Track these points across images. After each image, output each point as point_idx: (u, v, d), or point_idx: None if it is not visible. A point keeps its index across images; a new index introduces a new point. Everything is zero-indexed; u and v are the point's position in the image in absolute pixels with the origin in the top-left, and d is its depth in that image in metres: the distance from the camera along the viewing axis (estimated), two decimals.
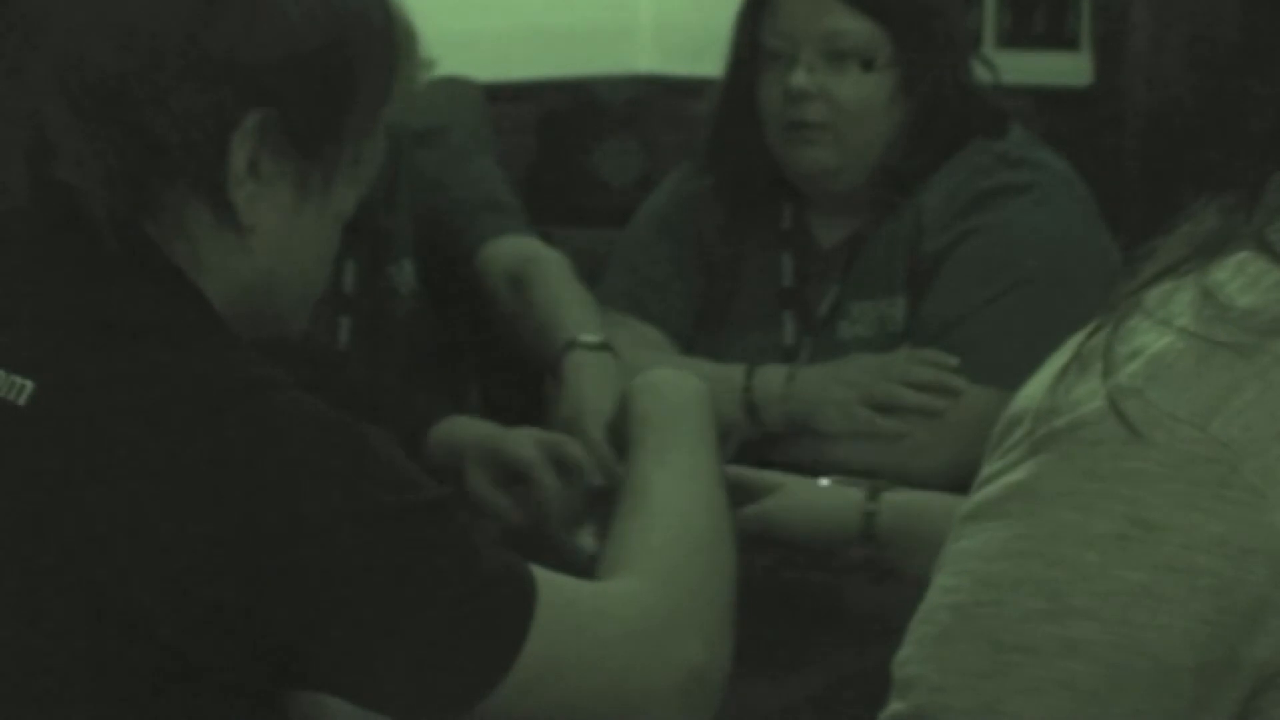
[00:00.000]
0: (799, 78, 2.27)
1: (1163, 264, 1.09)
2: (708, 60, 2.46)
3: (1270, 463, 1.02)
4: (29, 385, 1.27)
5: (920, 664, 1.08)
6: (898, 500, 1.95)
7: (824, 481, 1.99)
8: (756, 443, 2.16)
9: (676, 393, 1.60)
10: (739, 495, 1.99)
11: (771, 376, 2.29)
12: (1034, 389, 1.09)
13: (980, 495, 1.09)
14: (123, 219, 1.31)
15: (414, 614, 1.27)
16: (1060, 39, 4.35)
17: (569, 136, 4.39)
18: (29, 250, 1.34)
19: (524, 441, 2.10)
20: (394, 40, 1.42)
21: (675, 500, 1.48)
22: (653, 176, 2.79)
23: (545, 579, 1.32)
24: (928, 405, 2.19)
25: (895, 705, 1.09)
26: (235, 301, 1.35)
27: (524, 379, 2.79)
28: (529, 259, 2.42)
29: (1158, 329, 1.06)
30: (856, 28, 2.27)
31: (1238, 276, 1.07)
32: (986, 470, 1.10)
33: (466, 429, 2.20)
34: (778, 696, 1.84)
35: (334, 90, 1.35)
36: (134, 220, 1.32)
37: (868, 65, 2.27)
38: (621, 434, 1.61)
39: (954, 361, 2.19)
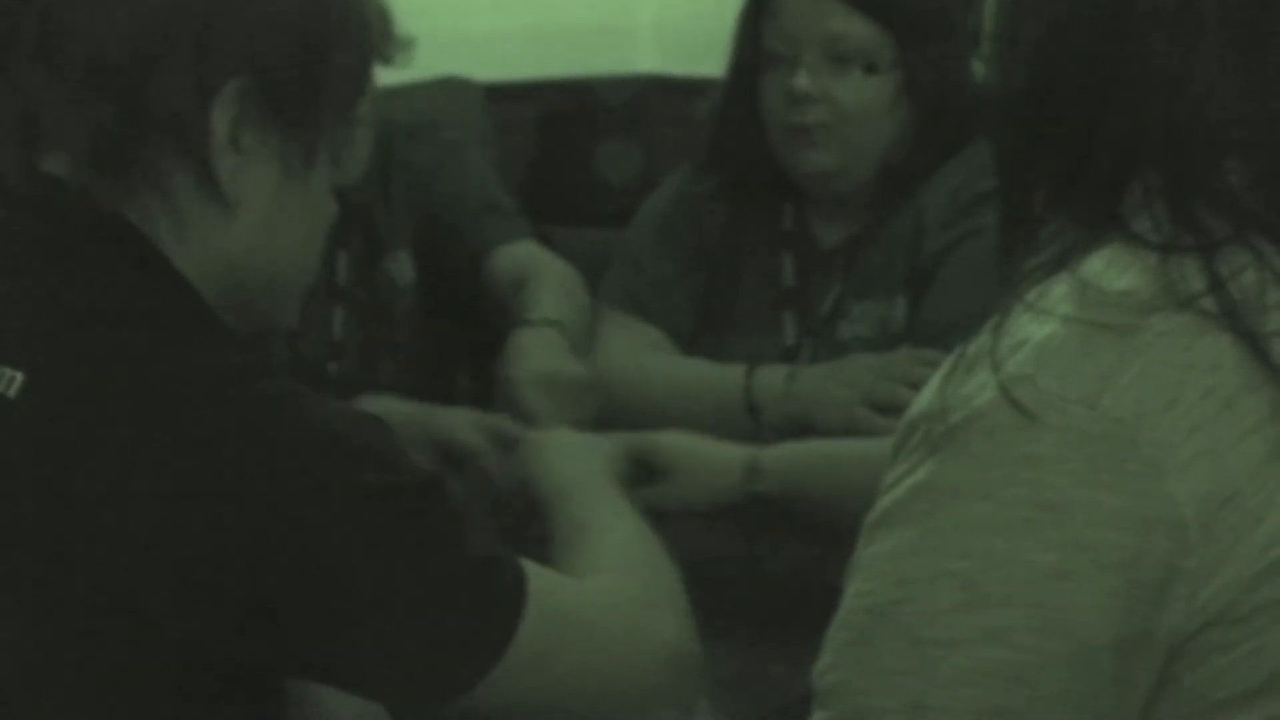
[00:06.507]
0: (801, 81, 2.27)
1: (1036, 263, 1.12)
2: (708, 60, 2.46)
3: (1163, 434, 1.04)
4: (19, 377, 1.27)
5: (841, 670, 1.08)
6: (776, 454, 2.06)
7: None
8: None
9: (571, 448, 1.79)
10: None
11: (772, 377, 2.29)
12: (925, 395, 1.11)
13: (886, 500, 1.10)
14: (106, 204, 1.32)
15: (406, 597, 1.28)
16: None
17: (569, 136, 4.38)
18: (15, 241, 1.34)
19: (464, 425, 2.13)
20: (365, 15, 1.44)
21: (611, 524, 1.56)
22: (653, 177, 2.79)
23: (532, 567, 1.35)
24: None
25: (819, 715, 1.09)
26: (222, 287, 1.36)
27: None
28: (535, 266, 2.45)
29: (1040, 319, 1.08)
30: (859, 30, 2.26)
31: (1111, 264, 1.09)
32: (889, 477, 1.10)
33: (386, 408, 2.21)
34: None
35: (309, 61, 1.36)
36: (117, 207, 1.32)
37: (870, 68, 2.27)
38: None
39: None
